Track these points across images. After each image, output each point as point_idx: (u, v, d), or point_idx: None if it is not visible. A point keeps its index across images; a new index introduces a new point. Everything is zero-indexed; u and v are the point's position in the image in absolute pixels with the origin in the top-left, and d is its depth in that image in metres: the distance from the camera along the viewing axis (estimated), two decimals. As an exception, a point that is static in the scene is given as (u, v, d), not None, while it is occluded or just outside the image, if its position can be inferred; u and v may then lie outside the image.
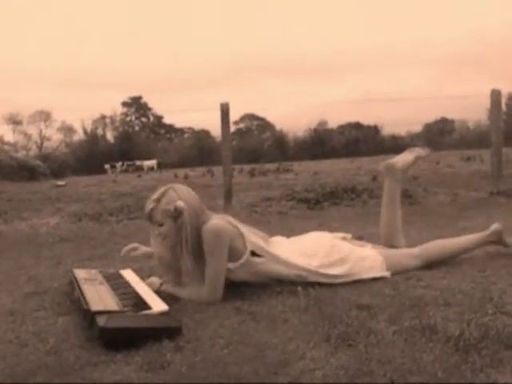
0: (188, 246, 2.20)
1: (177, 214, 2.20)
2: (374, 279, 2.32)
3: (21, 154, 33.73)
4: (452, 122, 41.24)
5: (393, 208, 2.71)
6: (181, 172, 17.09)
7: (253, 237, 2.28)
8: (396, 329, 1.70)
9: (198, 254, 2.22)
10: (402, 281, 2.30)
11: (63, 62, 74.95)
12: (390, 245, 2.64)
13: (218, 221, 2.23)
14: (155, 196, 2.24)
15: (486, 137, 8.60)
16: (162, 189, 2.27)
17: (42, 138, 46.40)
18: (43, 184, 16.04)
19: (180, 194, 2.25)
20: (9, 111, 44.80)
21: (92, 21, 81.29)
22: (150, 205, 2.24)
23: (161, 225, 2.23)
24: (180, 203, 2.20)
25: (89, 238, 4.67)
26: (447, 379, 1.32)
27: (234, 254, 2.22)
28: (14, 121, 45.43)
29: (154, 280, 2.33)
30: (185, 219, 2.20)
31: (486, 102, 6.85)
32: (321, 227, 2.91)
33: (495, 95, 6.58)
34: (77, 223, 5.97)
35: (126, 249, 2.63)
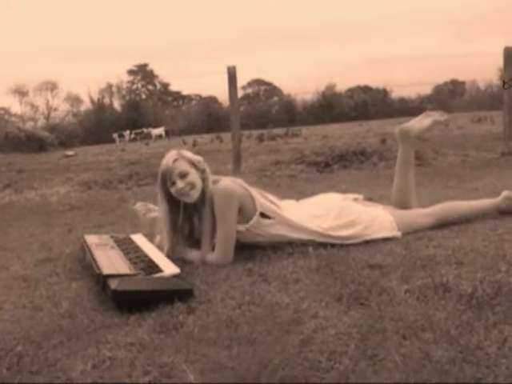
0: (209, 203, 2.21)
1: (203, 166, 2.26)
2: (386, 239, 2.31)
3: (28, 126, 33.75)
4: (463, 83, 40.55)
5: (406, 172, 2.67)
6: (189, 139, 17.05)
7: (263, 199, 2.27)
8: (408, 287, 1.69)
9: (211, 215, 2.22)
10: (414, 240, 2.28)
11: (67, 32, 74.07)
12: (403, 208, 2.62)
13: (227, 183, 2.22)
14: (173, 153, 2.27)
15: (498, 98, 8.43)
16: (174, 150, 2.31)
17: (49, 109, 46.39)
18: (52, 154, 16.09)
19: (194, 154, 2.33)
20: (15, 82, 44.74)
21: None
22: (170, 158, 2.22)
23: (185, 175, 2.19)
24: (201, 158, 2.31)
25: (99, 205, 4.68)
26: (460, 335, 1.31)
27: (244, 216, 2.22)
28: (21, 92, 45.35)
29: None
30: (207, 173, 2.26)
31: (498, 62, 6.69)
32: (330, 190, 2.87)
33: (509, 52, 6.41)
34: (87, 191, 5.99)
35: (140, 205, 2.64)
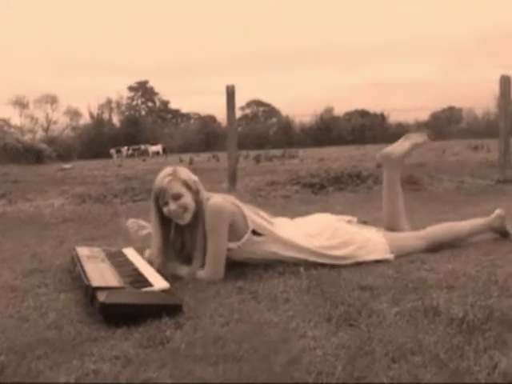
0: (202, 221, 2.19)
1: (196, 188, 2.22)
2: (378, 261, 2.30)
3: (27, 138, 33.75)
4: (460, 110, 40.86)
5: (393, 195, 2.70)
6: (186, 157, 17.07)
7: (255, 216, 2.26)
8: (398, 310, 1.68)
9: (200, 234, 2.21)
10: (406, 263, 2.28)
11: (68, 46, 74.58)
12: (394, 231, 2.61)
13: (218, 199, 2.21)
14: (168, 171, 2.22)
15: (494, 126, 8.50)
16: (170, 167, 2.27)
17: (49, 122, 46.44)
18: (49, 167, 16.07)
19: (189, 172, 2.29)
20: (15, 94, 44.89)
21: (98, 7, 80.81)
22: (165, 178, 2.19)
23: (178, 197, 2.17)
24: (194, 176, 2.26)
25: (92, 218, 4.66)
26: (449, 360, 1.30)
27: (235, 233, 2.21)
28: (21, 103, 45.47)
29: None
30: (202, 194, 2.22)
31: (495, 90, 6.77)
32: (325, 211, 2.87)
33: (504, 81, 6.49)
34: (81, 205, 5.96)
35: (132, 222, 2.60)
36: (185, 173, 2.26)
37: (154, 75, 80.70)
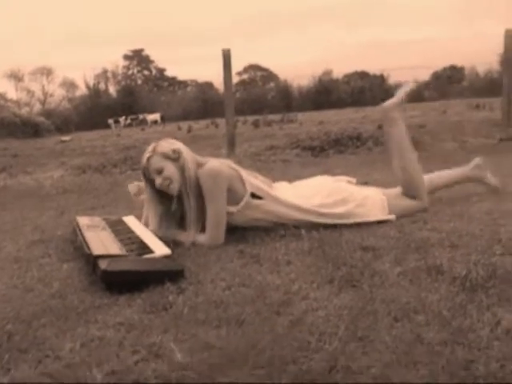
0: (192, 186, 2.19)
1: (177, 155, 2.21)
2: (380, 222, 2.29)
3: (24, 111, 33.48)
4: (462, 69, 40.33)
5: (405, 154, 2.53)
6: (184, 124, 16.96)
7: (253, 179, 2.25)
8: (401, 270, 1.68)
9: (198, 200, 2.20)
10: (408, 223, 2.27)
11: (61, 17, 73.31)
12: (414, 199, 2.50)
13: (215, 163, 2.20)
14: (149, 149, 2.27)
15: (497, 84, 8.39)
16: (153, 143, 2.30)
17: (45, 95, 45.99)
18: (48, 140, 15.99)
19: (172, 142, 2.30)
20: (10, 67, 44.33)
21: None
22: (145, 156, 2.24)
23: (160, 171, 2.20)
24: (177, 144, 2.26)
25: (92, 188, 4.66)
26: (452, 318, 1.30)
27: (234, 198, 2.20)
28: (16, 77, 44.95)
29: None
30: (185, 158, 2.21)
31: (498, 47, 6.64)
32: (325, 174, 2.86)
33: (508, 36, 6.34)
34: (80, 175, 5.96)
35: (133, 185, 2.62)
36: (164, 145, 2.26)
37: (148, 43, 79.28)
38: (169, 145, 2.27)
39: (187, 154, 2.26)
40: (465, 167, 2.72)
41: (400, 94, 2.59)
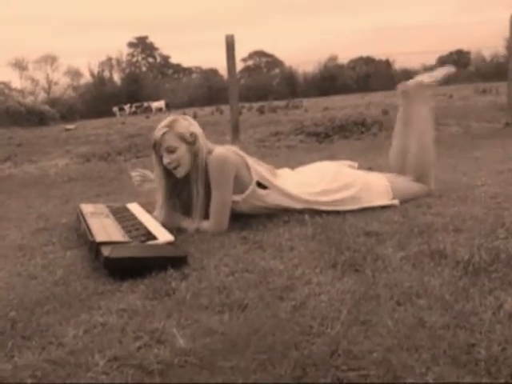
0: (203, 173, 2.17)
1: (192, 140, 2.16)
2: (383, 207, 2.28)
3: (29, 100, 33.48)
4: (468, 53, 39.92)
5: (425, 137, 2.45)
6: (190, 111, 16.91)
7: (258, 167, 2.23)
8: (404, 254, 1.67)
9: (205, 186, 2.19)
10: (412, 208, 2.26)
11: (63, 3, 72.82)
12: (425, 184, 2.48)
13: (222, 150, 2.18)
14: (166, 123, 2.18)
15: (503, 68, 8.30)
16: (172, 117, 2.23)
17: (50, 83, 45.95)
18: (53, 128, 15.99)
19: (191, 122, 2.22)
20: (14, 56, 44.30)
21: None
22: (160, 130, 2.16)
23: (172, 151, 2.15)
24: (195, 127, 2.19)
25: (97, 176, 4.66)
26: (455, 301, 1.30)
27: (239, 185, 2.19)
28: (20, 65, 44.91)
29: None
30: (201, 144, 2.17)
31: (505, 31, 6.56)
32: (329, 160, 2.84)
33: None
34: (85, 163, 5.96)
35: (136, 174, 2.52)
36: (182, 125, 2.19)
37: (152, 30, 79.21)
38: (187, 125, 2.19)
39: (203, 139, 2.21)
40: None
41: (440, 73, 2.52)
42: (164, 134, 2.15)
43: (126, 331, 1.28)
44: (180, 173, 2.19)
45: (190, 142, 2.16)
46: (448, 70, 2.59)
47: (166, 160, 2.16)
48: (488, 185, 2.61)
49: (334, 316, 1.27)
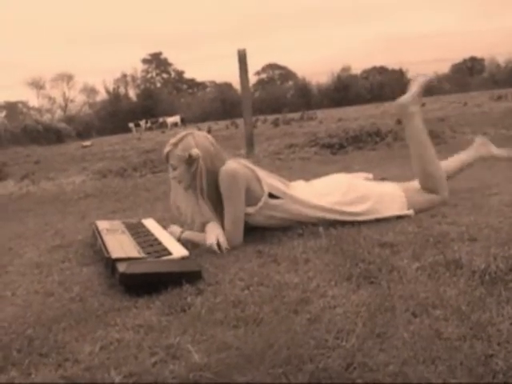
0: (203, 192, 2.20)
1: (191, 161, 2.20)
2: (398, 218, 2.27)
3: (46, 118, 34.03)
4: (482, 60, 39.68)
5: (421, 148, 2.47)
6: (204, 126, 17.03)
7: (269, 178, 2.24)
8: (419, 265, 1.66)
9: (217, 200, 2.20)
10: (427, 218, 2.24)
11: (77, 21, 74.11)
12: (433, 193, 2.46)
13: (232, 164, 2.19)
14: (173, 140, 2.26)
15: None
16: (182, 134, 2.28)
17: (66, 101, 46.67)
18: (69, 146, 16.21)
19: (197, 141, 2.23)
20: (31, 76, 45.11)
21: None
22: (167, 147, 2.27)
23: (175, 168, 2.25)
24: (195, 150, 2.19)
25: (113, 192, 4.70)
26: (471, 312, 1.28)
27: (251, 198, 2.19)
28: (37, 85, 45.71)
29: (175, 228, 2.33)
30: (200, 166, 2.19)
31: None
32: (344, 171, 2.84)
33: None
34: (101, 180, 6.02)
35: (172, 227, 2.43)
36: (186, 144, 2.21)
37: (166, 45, 79.85)
38: (192, 144, 2.21)
39: (205, 159, 2.20)
40: (471, 148, 2.72)
41: (414, 88, 2.54)
42: (168, 152, 2.26)
43: (141, 347, 1.29)
44: (184, 187, 2.28)
45: (189, 163, 2.20)
46: (419, 81, 2.58)
47: (170, 175, 2.30)
48: (503, 193, 2.58)
49: (349, 329, 1.26)
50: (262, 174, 2.24)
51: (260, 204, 2.20)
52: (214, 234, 2.15)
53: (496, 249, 1.71)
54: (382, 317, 1.31)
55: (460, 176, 2.74)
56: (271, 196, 2.22)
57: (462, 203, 2.44)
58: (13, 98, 43.94)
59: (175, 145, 2.24)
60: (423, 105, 2.72)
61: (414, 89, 2.53)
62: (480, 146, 2.71)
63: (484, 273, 1.51)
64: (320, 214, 2.24)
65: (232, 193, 2.16)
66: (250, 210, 2.21)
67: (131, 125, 26.75)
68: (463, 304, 1.33)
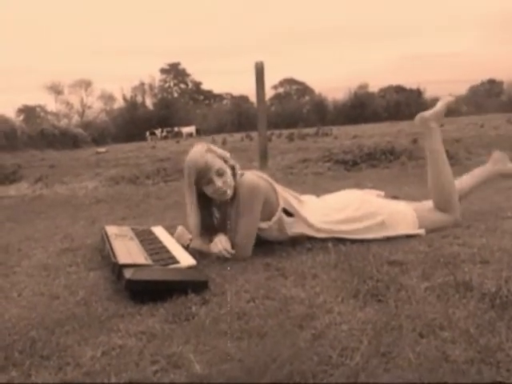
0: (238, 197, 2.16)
1: (233, 162, 2.19)
2: (409, 236, 2.24)
3: (63, 123, 34.40)
4: (501, 83, 39.48)
5: (438, 167, 2.47)
6: (219, 137, 17.09)
7: (284, 193, 2.23)
8: (428, 285, 1.63)
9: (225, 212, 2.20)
10: (438, 238, 2.21)
11: (100, 30, 75.35)
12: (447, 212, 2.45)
13: (253, 177, 2.17)
14: (202, 149, 2.14)
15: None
16: (199, 144, 2.21)
17: (84, 107, 47.17)
18: (85, 151, 16.36)
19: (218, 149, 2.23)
20: (50, 80, 45.75)
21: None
22: (205, 155, 2.11)
23: (222, 174, 2.11)
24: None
25: (124, 199, 4.72)
26: (480, 335, 1.25)
27: (267, 211, 2.17)
28: (56, 89, 46.29)
29: (183, 232, 2.30)
30: (237, 168, 2.20)
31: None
32: (356, 188, 2.82)
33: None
34: (114, 186, 6.06)
35: (181, 229, 2.40)
36: (219, 149, 2.22)
37: (184, 56, 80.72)
38: (221, 150, 2.21)
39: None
40: (487, 164, 2.70)
41: (439, 106, 2.55)
42: (212, 157, 2.12)
43: (143, 354, 1.28)
44: (228, 195, 2.15)
45: (231, 165, 2.18)
46: (445, 100, 2.59)
47: (218, 183, 2.10)
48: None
49: (353, 346, 1.24)
50: (279, 188, 2.23)
51: (274, 219, 2.19)
52: (219, 241, 2.13)
53: (508, 272, 1.68)
54: (387, 336, 1.29)
55: (474, 198, 2.71)
56: (285, 212, 2.21)
57: (475, 225, 2.41)
58: (31, 102, 44.66)
59: (210, 151, 2.15)
60: (442, 125, 2.72)
61: (438, 107, 2.53)
62: (497, 161, 2.69)
63: (495, 296, 1.48)
64: (329, 236, 2.23)
65: (251, 205, 2.13)
66: (264, 225, 2.19)
67: (147, 133, 26.96)
68: (472, 327, 1.30)
